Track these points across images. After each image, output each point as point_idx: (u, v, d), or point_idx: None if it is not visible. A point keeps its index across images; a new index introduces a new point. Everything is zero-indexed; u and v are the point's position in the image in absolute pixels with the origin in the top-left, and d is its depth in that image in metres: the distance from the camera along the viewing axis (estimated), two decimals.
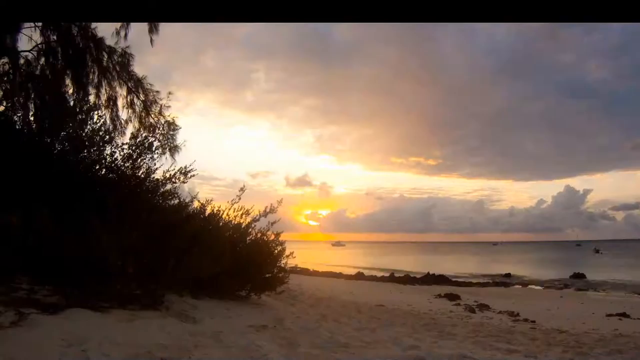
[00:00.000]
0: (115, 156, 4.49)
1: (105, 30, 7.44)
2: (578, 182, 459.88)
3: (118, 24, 7.36)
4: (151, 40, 7.62)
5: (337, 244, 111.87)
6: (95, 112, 4.82)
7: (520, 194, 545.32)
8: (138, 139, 4.63)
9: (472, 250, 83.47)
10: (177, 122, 8.35)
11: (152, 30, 7.57)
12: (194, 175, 4.95)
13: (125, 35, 7.52)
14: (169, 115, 8.26)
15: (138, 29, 7.67)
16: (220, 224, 5.74)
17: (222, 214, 5.82)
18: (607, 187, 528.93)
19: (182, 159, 7.77)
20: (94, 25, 7.28)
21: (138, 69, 8.00)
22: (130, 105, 8.08)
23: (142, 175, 4.56)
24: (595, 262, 40.89)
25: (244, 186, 5.96)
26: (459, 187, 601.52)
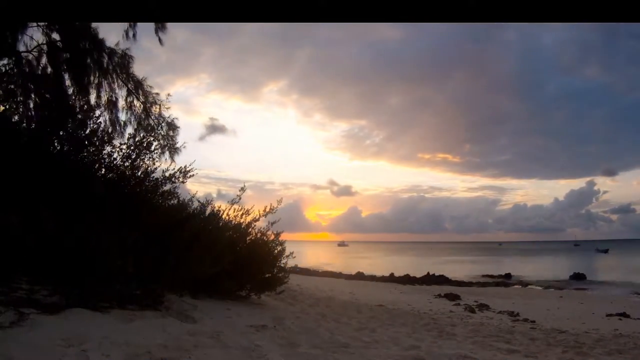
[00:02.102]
0: (114, 156, 4.49)
1: (105, 31, 7.46)
2: (600, 181, 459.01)
3: (116, 24, 7.37)
4: (160, 40, 7.62)
5: (342, 244, 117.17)
6: (95, 113, 4.82)
7: (537, 193, 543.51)
8: (137, 139, 4.64)
9: (476, 252, 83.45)
10: (177, 123, 8.36)
11: (159, 29, 7.56)
12: (193, 175, 4.95)
13: (126, 35, 7.52)
14: (168, 117, 8.28)
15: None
16: (220, 224, 5.75)
17: (222, 213, 5.83)
18: (623, 187, 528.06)
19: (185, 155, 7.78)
20: (94, 25, 7.30)
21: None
22: (130, 106, 8.09)
23: (142, 175, 4.56)
24: (595, 263, 40.86)
25: (244, 185, 5.98)
26: (476, 185, 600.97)
